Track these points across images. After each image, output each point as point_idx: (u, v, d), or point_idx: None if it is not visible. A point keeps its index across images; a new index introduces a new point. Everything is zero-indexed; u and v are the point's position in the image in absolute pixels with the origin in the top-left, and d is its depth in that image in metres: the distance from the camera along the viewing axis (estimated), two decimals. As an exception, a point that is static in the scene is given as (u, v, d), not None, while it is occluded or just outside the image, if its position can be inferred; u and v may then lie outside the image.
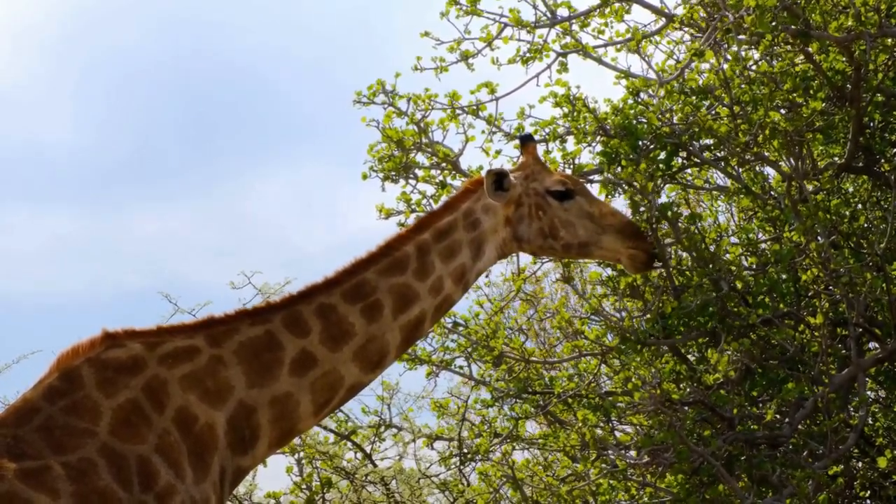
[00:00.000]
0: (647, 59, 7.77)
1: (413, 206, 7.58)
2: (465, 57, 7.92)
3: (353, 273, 5.33)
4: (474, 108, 7.72)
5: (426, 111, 7.64)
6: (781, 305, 6.77)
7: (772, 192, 7.26)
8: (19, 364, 11.02)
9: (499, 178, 5.62)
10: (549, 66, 7.90)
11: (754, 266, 7.00)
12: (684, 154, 7.28)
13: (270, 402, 5.06)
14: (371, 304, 5.29)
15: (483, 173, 5.59)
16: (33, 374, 4.82)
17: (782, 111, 7.03)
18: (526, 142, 5.83)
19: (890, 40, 7.08)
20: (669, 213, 6.71)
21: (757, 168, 7.38)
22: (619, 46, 7.96)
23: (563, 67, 7.87)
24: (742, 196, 7.40)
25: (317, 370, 5.15)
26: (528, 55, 7.90)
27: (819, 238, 6.66)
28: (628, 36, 7.91)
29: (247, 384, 5.02)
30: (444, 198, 7.59)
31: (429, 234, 5.50)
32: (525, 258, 7.69)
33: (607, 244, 5.75)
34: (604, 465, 6.62)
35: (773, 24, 6.71)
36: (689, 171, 7.67)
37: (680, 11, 7.76)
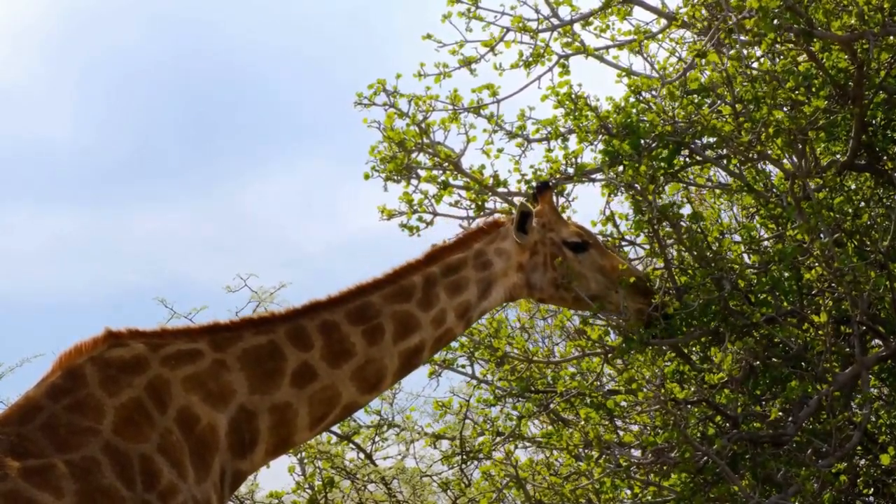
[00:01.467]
0: (649, 59, 7.76)
1: (415, 207, 7.57)
2: (468, 62, 7.92)
3: (359, 295, 5.40)
4: (476, 107, 7.70)
5: (427, 112, 7.63)
6: (784, 304, 6.76)
7: (774, 190, 7.25)
8: (21, 367, 11.04)
9: (524, 218, 5.71)
10: (550, 69, 7.89)
11: (757, 264, 6.98)
12: (686, 152, 7.27)
13: (270, 410, 5.12)
14: (373, 327, 5.37)
15: (515, 206, 5.71)
16: (35, 376, 4.83)
17: (785, 109, 7.02)
18: (542, 190, 5.92)
19: (892, 38, 7.07)
20: (670, 213, 6.71)
21: (759, 166, 7.37)
22: (621, 46, 7.94)
23: (565, 70, 7.86)
24: (744, 194, 7.39)
25: (316, 384, 5.22)
26: (530, 59, 7.89)
27: (822, 236, 6.65)
28: (631, 36, 7.89)
29: (249, 390, 5.07)
30: (445, 197, 7.57)
31: (437, 268, 5.60)
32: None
33: (617, 299, 5.89)
34: (608, 465, 6.61)
35: (776, 23, 6.70)
36: (691, 169, 7.66)
37: (681, 11, 7.74)
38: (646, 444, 6.46)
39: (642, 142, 6.96)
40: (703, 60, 7.09)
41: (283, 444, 5.22)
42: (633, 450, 6.74)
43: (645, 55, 7.80)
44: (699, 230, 6.78)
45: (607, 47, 8.03)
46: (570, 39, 7.87)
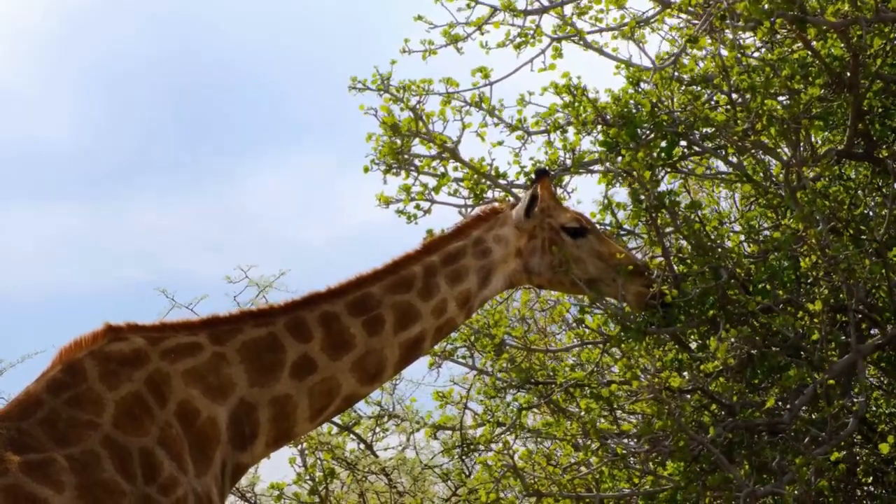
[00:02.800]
0: (641, 45, 7.73)
1: (413, 196, 7.56)
2: (454, 40, 7.85)
3: (359, 286, 5.40)
4: (477, 101, 7.67)
5: (421, 96, 7.58)
6: (781, 292, 6.77)
7: (772, 179, 7.25)
8: (23, 363, 11.09)
9: (533, 201, 5.74)
10: (542, 52, 7.84)
11: (755, 253, 7.00)
12: (685, 142, 7.27)
13: (270, 402, 5.13)
14: (373, 318, 5.37)
15: (513, 195, 5.75)
16: (36, 373, 4.86)
17: (780, 98, 7.02)
18: (541, 176, 5.96)
19: (887, 27, 7.06)
20: (668, 202, 6.72)
21: (758, 155, 7.37)
22: (614, 34, 7.89)
23: (558, 52, 7.82)
24: (743, 183, 7.40)
25: (316, 376, 5.23)
26: (519, 40, 7.84)
27: (819, 225, 6.66)
28: (623, 22, 7.86)
29: (248, 382, 5.09)
30: (444, 187, 7.57)
31: (437, 257, 5.60)
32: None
33: (615, 283, 5.93)
34: (606, 455, 6.63)
35: (767, 8, 6.69)
36: (690, 159, 7.66)
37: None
38: (641, 434, 6.49)
39: (639, 132, 6.97)
40: (695, 45, 7.09)
41: (284, 436, 5.24)
42: (630, 439, 6.76)
43: (637, 42, 7.77)
44: (697, 219, 6.80)
45: (600, 30, 7.97)
46: (561, 22, 7.82)
